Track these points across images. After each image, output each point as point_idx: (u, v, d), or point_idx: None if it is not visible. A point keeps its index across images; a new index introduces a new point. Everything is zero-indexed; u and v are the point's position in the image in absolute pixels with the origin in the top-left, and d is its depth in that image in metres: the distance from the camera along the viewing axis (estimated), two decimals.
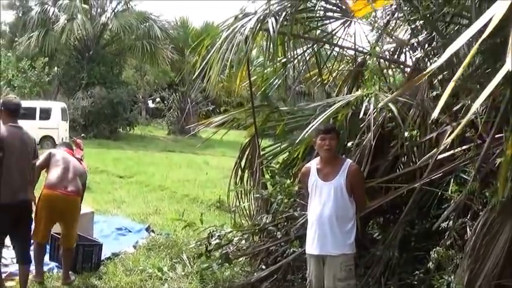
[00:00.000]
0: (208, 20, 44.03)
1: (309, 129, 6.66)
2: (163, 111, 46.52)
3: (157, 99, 51.28)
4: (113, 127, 35.69)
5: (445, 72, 6.42)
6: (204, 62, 8.28)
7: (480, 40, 2.71)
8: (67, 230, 7.83)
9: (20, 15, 44.85)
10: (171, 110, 44.33)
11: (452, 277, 5.40)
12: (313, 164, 5.84)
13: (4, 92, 41.85)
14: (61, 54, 39.15)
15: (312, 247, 5.71)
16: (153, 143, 35.29)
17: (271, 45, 7.96)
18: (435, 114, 2.96)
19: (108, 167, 19.79)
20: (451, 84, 2.96)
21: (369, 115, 6.55)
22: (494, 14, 2.58)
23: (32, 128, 25.38)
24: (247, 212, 8.88)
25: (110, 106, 34.46)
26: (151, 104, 52.81)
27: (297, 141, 7.25)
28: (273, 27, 7.45)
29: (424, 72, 3.37)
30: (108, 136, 33.41)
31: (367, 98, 6.81)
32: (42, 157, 7.63)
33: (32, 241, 7.42)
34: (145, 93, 48.48)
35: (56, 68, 40.49)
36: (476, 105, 2.82)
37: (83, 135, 20.77)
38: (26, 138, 6.92)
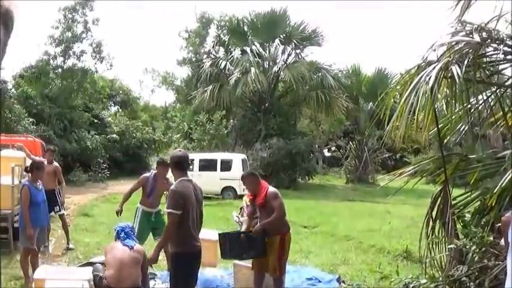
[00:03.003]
0: (379, 65, 43.83)
1: (507, 177, 6.54)
2: (340, 160, 46.64)
3: (333, 148, 51.62)
4: (292, 177, 35.94)
5: None
6: (382, 110, 8.36)
7: None
8: None
9: (194, 70, 47.27)
10: (348, 158, 44.37)
11: None
12: None
13: (181, 144, 44.03)
14: (237, 107, 40.44)
15: None
16: (333, 192, 35.37)
17: (456, 92, 7.97)
18: None
19: (292, 217, 19.89)
20: None
21: None
22: None
23: (214, 179, 26.61)
24: (439, 262, 8.78)
25: (288, 156, 34.88)
26: (327, 153, 53.14)
27: (495, 189, 7.12)
28: (457, 74, 7.41)
29: None
30: (288, 186, 33.56)
31: None
32: None
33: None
34: (321, 143, 48.90)
35: (232, 121, 41.88)
36: None
37: None
38: (198, 191, 7.33)
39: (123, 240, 7.77)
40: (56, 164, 13.31)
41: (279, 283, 8.99)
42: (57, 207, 13.10)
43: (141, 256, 7.66)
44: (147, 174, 11.48)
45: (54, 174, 13.05)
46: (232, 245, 8.87)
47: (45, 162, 12.85)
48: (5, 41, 1.20)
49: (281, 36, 39.29)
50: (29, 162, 12.10)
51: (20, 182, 12.21)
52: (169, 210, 7.16)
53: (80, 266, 9.88)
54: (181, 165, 7.29)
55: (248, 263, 9.53)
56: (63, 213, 13.45)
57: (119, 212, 11.32)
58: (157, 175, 10.99)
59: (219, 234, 9.31)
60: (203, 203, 7.63)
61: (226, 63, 39.28)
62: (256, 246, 8.69)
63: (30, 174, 10.20)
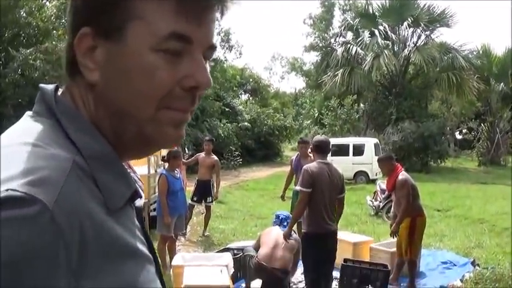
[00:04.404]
0: (510, 45, 42.64)
1: None
2: (471, 143, 45.64)
3: (465, 131, 50.54)
4: (424, 160, 35.50)
5: None
6: None
7: None
8: None
9: (322, 55, 47.60)
10: (480, 140, 43.32)
11: None
12: None
13: (312, 130, 44.34)
14: (368, 91, 40.35)
15: None
16: (465, 175, 34.69)
17: None
18: None
19: (425, 200, 19.85)
20: None
21: None
22: None
23: (346, 164, 26.71)
24: None
25: (420, 140, 34.45)
26: (458, 136, 52.05)
27: None
28: None
29: None
30: (420, 169, 33.16)
31: None
32: None
33: None
34: (453, 125, 47.99)
35: (363, 105, 41.81)
36: None
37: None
38: (334, 173, 7.60)
39: (283, 227, 8.19)
40: (215, 157, 13.54)
41: (411, 265, 9.30)
42: (210, 199, 13.32)
43: (297, 244, 8.00)
44: (293, 157, 12.06)
45: (212, 166, 13.22)
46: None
47: (203, 154, 13.36)
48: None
49: (409, 19, 38.88)
50: (164, 151, 12.61)
51: (155, 171, 12.77)
52: (298, 188, 7.64)
53: (217, 252, 9.98)
54: (320, 148, 7.64)
55: (386, 248, 9.91)
56: (211, 206, 13.63)
57: (283, 197, 12.08)
58: (300, 155, 11.42)
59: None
60: (345, 190, 7.92)
61: (356, 48, 39.39)
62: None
63: (167, 163, 10.53)
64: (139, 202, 1.20)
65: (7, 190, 0.86)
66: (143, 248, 1.11)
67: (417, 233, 9.20)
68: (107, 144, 1.09)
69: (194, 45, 1.07)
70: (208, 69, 1.14)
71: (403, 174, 9.21)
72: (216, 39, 31.21)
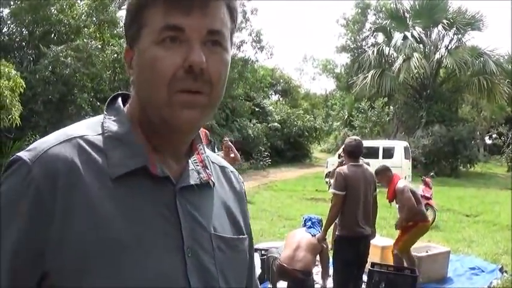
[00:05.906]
0: None
1: None
2: (501, 148, 45.20)
3: (494, 135, 50.12)
4: (453, 165, 35.29)
5: None
6: None
7: None
8: None
9: (353, 56, 47.51)
10: (510, 146, 42.82)
11: None
12: None
13: (342, 132, 44.19)
14: (399, 93, 40.05)
15: None
16: (494, 180, 34.39)
17: None
18: None
19: (454, 205, 19.90)
20: None
21: None
22: None
23: (375, 167, 26.58)
24: None
25: (450, 144, 34.21)
26: (488, 140, 51.60)
27: None
28: None
29: None
30: (449, 174, 33.10)
31: None
32: None
33: None
34: (483, 130, 47.59)
35: (391, 107, 41.57)
36: None
37: (431, 174, 20.83)
38: (367, 175, 7.61)
39: (307, 228, 8.23)
40: (232, 155, 13.59)
41: (397, 259, 9.32)
42: None
43: (320, 246, 8.04)
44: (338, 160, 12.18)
45: (234, 162, 13.36)
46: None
47: (222, 154, 13.45)
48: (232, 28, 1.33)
49: (444, 21, 38.58)
50: None
51: None
52: (332, 191, 7.66)
53: None
54: (353, 153, 7.61)
55: (414, 252, 9.90)
56: None
57: None
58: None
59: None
60: (376, 189, 7.91)
61: (389, 49, 39.26)
62: None
63: None
64: (183, 183, 1.38)
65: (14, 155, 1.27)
66: (154, 218, 1.30)
67: (413, 234, 9.22)
68: (128, 129, 1.35)
69: (187, 32, 1.25)
70: (228, 56, 1.33)
71: (401, 183, 9.32)
72: (247, 38, 30.64)
